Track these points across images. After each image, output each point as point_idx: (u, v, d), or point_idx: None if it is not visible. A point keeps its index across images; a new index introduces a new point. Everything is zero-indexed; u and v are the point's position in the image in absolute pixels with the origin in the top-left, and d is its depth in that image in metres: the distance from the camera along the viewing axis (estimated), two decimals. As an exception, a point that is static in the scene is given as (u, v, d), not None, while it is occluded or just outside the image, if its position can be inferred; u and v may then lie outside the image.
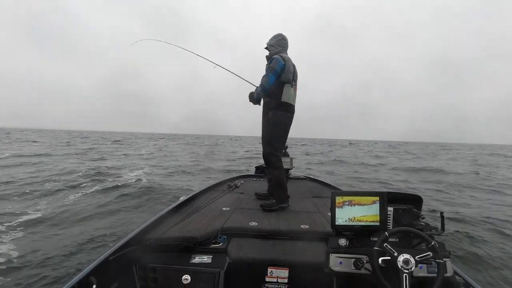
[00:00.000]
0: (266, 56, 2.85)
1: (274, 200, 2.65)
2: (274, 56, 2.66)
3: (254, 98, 2.82)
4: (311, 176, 4.68)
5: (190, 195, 3.01)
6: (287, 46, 2.87)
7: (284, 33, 2.87)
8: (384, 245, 1.29)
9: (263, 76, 2.65)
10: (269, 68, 2.63)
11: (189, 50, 3.75)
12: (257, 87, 2.80)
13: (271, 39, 2.86)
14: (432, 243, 1.26)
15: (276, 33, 2.88)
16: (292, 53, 2.86)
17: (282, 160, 3.31)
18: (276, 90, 2.64)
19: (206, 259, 1.74)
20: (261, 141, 2.85)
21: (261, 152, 2.85)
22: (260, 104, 2.88)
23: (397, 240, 1.44)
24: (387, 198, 1.48)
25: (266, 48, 2.88)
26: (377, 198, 1.47)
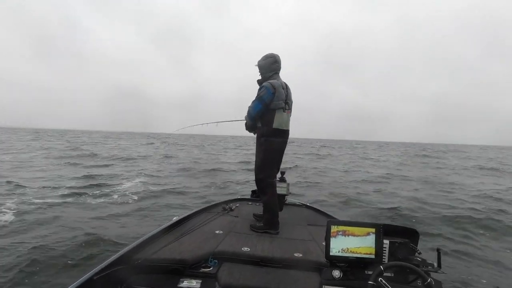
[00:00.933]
0: (258, 80, 2.79)
1: (262, 224, 2.65)
2: (264, 84, 2.62)
3: (248, 122, 2.78)
4: (308, 204, 4.62)
5: (184, 215, 2.96)
6: (279, 68, 2.77)
7: (275, 53, 2.75)
8: (379, 279, 1.26)
9: (251, 102, 2.66)
10: (257, 96, 2.63)
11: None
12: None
13: (261, 60, 2.76)
14: (429, 280, 1.24)
15: (268, 52, 2.76)
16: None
17: (279, 185, 3.28)
18: (268, 117, 2.62)
19: (195, 283, 1.68)
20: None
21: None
22: (255, 133, 2.85)
23: (393, 275, 1.41)
24: (383, 231, 1.47)
25: (257, 65, 2.80)
26: (373, 229, 1.46)
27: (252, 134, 2.90)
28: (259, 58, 2.81)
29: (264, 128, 2.66)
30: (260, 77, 2.81)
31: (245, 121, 2.84)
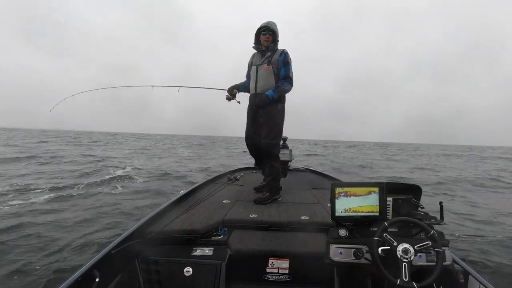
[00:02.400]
0: (265, 43, 2.65)
1: (268, 194, 2.64)
2: (285, 50, 2.65)
3: (273, 99, 2.58)
4: (311, 168, 4.69)
5: (191, 188, 3.02)
6: None
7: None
8: (384, 235, 1.30)
9: (286, 71, 2.61)
10: (287, 62, 2.62)
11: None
12: (279, 85, 2.60)
13: (274, 25, 2.65)
14: (431, 232, 1.27)
15: (269, 20, 2.70)
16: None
17: (282, 152, 3.29)
18: None
19: (207, 251, 1.76)
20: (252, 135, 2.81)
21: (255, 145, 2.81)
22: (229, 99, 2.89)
23: (397, 230, 1.46)
24: (387, 189, 1.49)
25: (271, 33, 2.63)
26: (375, 188, 1.48)
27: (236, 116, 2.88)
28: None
29: (282, 96, 2.72)
30: (271, 42, 2.68)
31: (266, 96, 2.59)
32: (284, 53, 2.63)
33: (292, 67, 2.66)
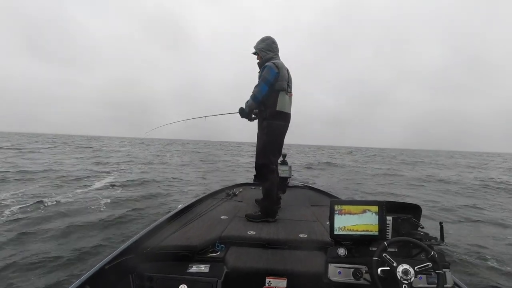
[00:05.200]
0: (258, 63, 2.72)
1: (259, 213, 2.57)
2: (267, 63, 2.54)
3: (245, 112, 2.66)
4: (310, 185, 4.67)
5: (189, 203, 2.99)
6: (278, 50, 2.72)
7: (272, 36, 2.70)
8: (383, 255, 1.28)
9: (255, 86, 2.55)
10: (261, 77, 2.51)
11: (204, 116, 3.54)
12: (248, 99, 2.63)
13: (259, 43, 2.69)
14: (432, 253, 1.25)
15: (264, 35, 2.70)
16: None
17: (281, 168, 3.27)
18: (271, 99, 2.54)
19: (203, 268, 1.72)
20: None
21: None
22: (251, 120, 2.77)
23: (396, 250, 1.43)
24: (386, 207, 1.48)
25: (255, 53, 2.72)
26: (374, 207, 1.48)
27: (246, 121, 2.79)
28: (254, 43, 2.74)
29: (267, 111, 2.57)
30: (259, 61, 2.72)
31: (241, 108, 2.70)
32: (264, 67, 2.55)
33: (267, 82, 2.50)
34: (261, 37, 2.72)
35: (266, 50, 2.66)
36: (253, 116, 2.81)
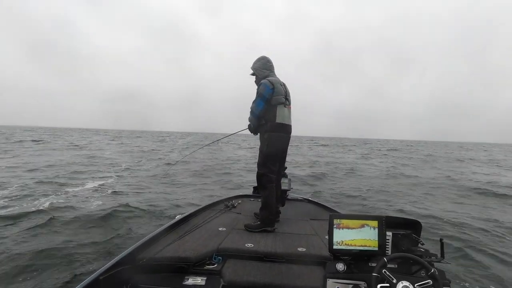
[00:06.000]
0: (255, 81, 2.91)
1: (259, 222, 2.64)
2: (262, 81, 2.71)
3: (251, 127, 2.85)
4: (309, 198, 4.63)
5: (186, 214, 2.96)
6: (273, 67, 2.90)
7: (267, 55, 2.89)
8: (383, 271, 1.26)
9: (253, 102, 2.73)
10: (257, 94, 2.69)
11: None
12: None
13: (255, 63, 2.88)
14: (432, 271, 1.24)
15: (259, 56, 2.89)
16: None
17: (281, 181, 3.26)
18: (270, 113, 2.68)
19: (199, 281, 1.69)
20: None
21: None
22: (256, 134, 2.92)
23: (396, 266, 1.41)
24: (386, 223, 1.47)
25: (253, 74, 2.91)
26: (374, 222, 1.47)
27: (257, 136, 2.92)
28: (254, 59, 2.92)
29: (268, 124, 2.70)
30: (256, 80, 2.89)
31: (249, 124, 2.87)
32: (259, 84, 2.72)
33: (262, 98, 2.64)
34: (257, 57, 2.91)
35: (262, 69, 2.85)
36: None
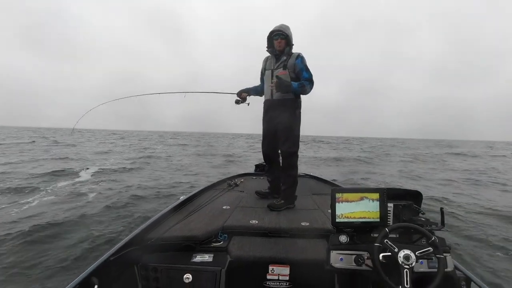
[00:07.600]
0: (279, 49, 2.60)
1: (282, 201, 2.60)
2: (302, 55, 2.57)
3: (292, 88, 2.48)
4: (311, 174, 4.68)
5: (190, 194, 3.01)
6: None
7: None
8: (385, 241, 1.29)
9: (311, 77, 2.54)
10: (308, 69, 2.55)
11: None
12: (303, 83, 2.51)
13: (287, 29, 2.58)
14: (433, 238, 1.26)
15: (281, 23, 2.61)
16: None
17: None
18: None
19: (207, 257, 1.74)
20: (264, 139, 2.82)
21: (269, 150, 2.81)
22: (239, 103, 2.90)
23: (398, 236, 1.45)
24: (387, 194, 1.49)
25: (285, 38, 2.57)
26: (377, 194, 1.48)
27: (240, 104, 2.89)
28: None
29: (299, 101, 2.65)
30: (285, 46, 2.61)
31: (289, 82, 2.50)
32: (301, 57, 2.56)
33: (312, 85, 2.57)
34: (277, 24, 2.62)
35: (291, 39, 2.63)
36: (239, 100, 2.93)
